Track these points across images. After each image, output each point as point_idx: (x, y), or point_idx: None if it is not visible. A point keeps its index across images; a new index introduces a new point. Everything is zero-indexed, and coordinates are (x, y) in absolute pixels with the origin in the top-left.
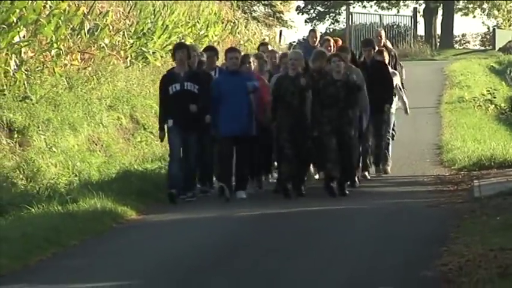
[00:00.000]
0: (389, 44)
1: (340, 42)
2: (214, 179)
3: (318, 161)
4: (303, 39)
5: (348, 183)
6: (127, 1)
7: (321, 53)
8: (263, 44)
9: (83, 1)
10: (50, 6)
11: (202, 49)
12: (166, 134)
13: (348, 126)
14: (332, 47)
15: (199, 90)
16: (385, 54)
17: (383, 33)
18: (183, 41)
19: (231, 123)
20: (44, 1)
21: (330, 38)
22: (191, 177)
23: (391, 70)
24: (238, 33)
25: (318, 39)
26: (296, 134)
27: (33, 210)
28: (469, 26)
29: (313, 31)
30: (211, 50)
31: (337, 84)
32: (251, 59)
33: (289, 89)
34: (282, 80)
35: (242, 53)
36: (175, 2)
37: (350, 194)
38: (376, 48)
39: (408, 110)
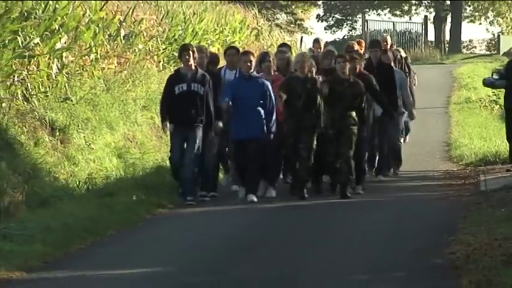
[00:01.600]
0: (399, 49)
1: (363, 44)
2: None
3: (323, 164)
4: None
5: (354, 185)
6: (160, 9)
7: (329, 52)
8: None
9: (121, 10)
10: (89, 15)
11: (224, 49)
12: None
13: (352, 126)
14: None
15: (205, 92)
16: (390, 54)
17: (389, 38)
18: (204, 44)
19: (243, 127)
20: (83, 10)
21: (355, 42)
22: (193, 179)
23: (396, 69)
24: (262, 39)
25: (322, 48)
26: (300, 136)
27: (73, 202)
28: (475, 32)
29: (316, 41)
30: (232, 49)
31: (344, 84)
32: (271, 57)
33: (297, 90)
34: (291, 80)
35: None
36: (204, 11)
37: (366, 187)
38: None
39: (414, 113)
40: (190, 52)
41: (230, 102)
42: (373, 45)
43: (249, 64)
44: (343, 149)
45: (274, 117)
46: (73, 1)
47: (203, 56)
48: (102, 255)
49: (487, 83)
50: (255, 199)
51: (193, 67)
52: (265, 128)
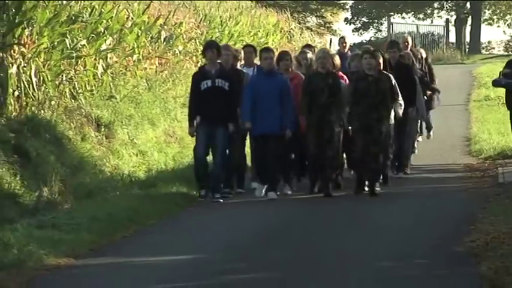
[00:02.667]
0: (421, 50)
1: (410, 42)
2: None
3: (349, 159)
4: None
5: (380, 182)
6: (198, 13)
7: (357, 55)
8: (307, 46)
9: (162, 14)
10: (132, 18)
11: (242, 47)
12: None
13: (376, 122)
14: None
15: (230, 87)
16: (409, 53)
17: (409, 38)
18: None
19: (262, 122)
20: (127, 13)
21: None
22: (219, 177)
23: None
24: (294, 41)
25: (348, 45)
26: (322, 131)
27: (117, 193)
28: (494, 34)
29: (342, 38)
30: (249, 47)
31: (368, 79)
32: (291, 56)
33: (319, 86)
34: (312, 77)
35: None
36: (239, 14)
37: (391, 180)
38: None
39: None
40: (214, 49)
41: (250, 124)
42: (392, 45)
43: (269, 60)
44: (371, 146)
45: (291, 113)
46: (117, 5)
47: (228, 54)
48: (145, 243)
49: (496, 84)
50: (276, 196)
51: (217, 64)
52: (283, 123)
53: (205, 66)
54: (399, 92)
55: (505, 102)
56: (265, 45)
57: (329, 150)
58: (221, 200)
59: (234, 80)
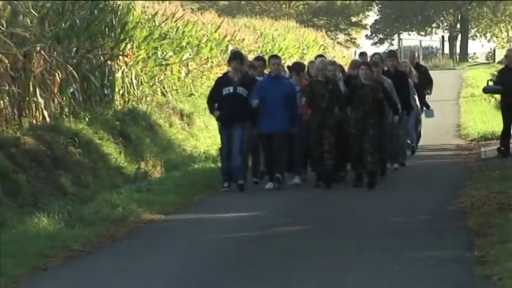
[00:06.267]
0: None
1: (416, 56)
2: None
3: (347, 157)
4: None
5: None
6: (256, 32)
7: (376, 62)
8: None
9: (228, 32)
10: (207, 35)
11: (254, 58)
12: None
13: (371, 128)
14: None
15: (248, 94)
16: (404, 66)
17: (416, 53)
18: (263, 54)
19: (269, 122)
20: (203, 31)
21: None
22: (241, 167)
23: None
24: (328, 52)
25: (368, 57)
26: (323, 132)
27: (195, 166)
28: (477, 47)
29: (364, 53)
30: (260, 60)
31: (365, 88)
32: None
33: (320, 92)
34: (313, 84)
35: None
36: (287, 32)
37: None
38: (407, 61)
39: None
40: (239, 59)
41: (257, 101)
42: (390, 55)
43: (276, 66)
44: (367, 146)
45: (297, 114)
46: (196, 26)
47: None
48: (217, 203)
49: (487, 91)
50: (272, 187)
51: (239, 72)
52: (290, 124)
53: (229, 73)
54: (395, 98)
55: (500, 100)
56: (306, 55)
57: (327, 147)
58: (242, 183)
59: (252, 88)
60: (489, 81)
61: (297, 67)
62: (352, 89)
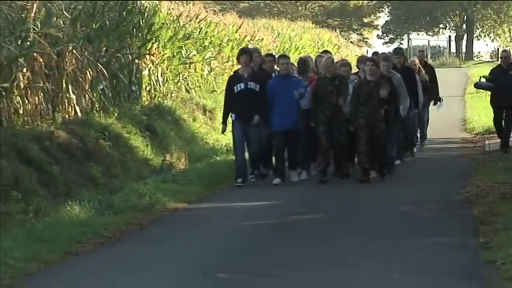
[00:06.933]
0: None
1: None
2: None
3: (353, 152)
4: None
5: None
6: (274, 32)
7: (387, 58)
8: (325, 52)
9: (248, 33)
10: (228, 35)
11: (265, 55)
12: (227, 129)
13: (379, 122)
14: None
15: (260, 88)
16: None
17: (424, 53)
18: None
19: (283, 120)
20: (225, 32)
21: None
22: (255, 162)
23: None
24: (341, 51)
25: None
26: (332, 127)
27: (217, 158)
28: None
29: (376, 52)
30: (271, 56)
31: (370, 85)
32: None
33: (328, 89)
34: (320, 81)
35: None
36: (303, 32)
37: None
38: (416, 60)
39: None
40: (248, 55)
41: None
42: (397, 52)
43: (285, 65)
44: (374, 141)
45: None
46: (218, 26)
47: (257, 56)
48: (236, 193)
49: (478, 86)
50: (279, 182)
51: (249, 68)
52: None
53: (239, 70)
54: (402, 93)
55: (490, 101)
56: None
57: (338, 141)
58: (255, 174)
59: (263, 81)
60: (481, 78)
61: (301, 67)
62: (357, 86)
